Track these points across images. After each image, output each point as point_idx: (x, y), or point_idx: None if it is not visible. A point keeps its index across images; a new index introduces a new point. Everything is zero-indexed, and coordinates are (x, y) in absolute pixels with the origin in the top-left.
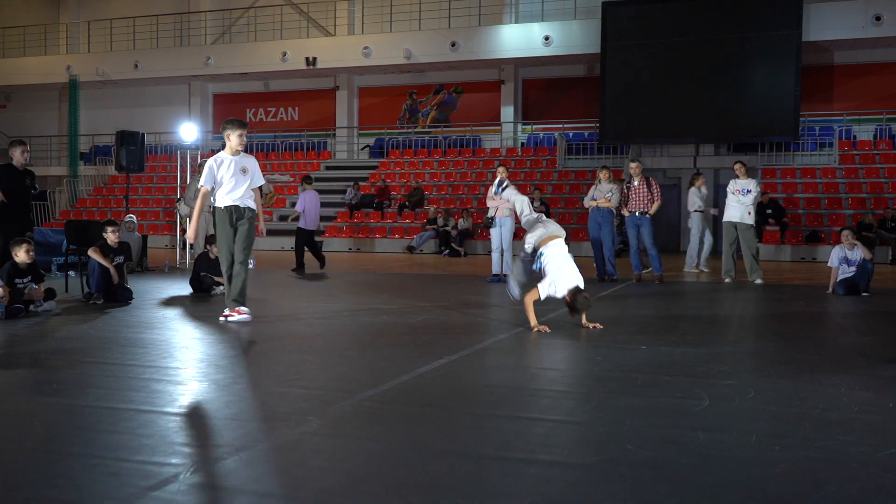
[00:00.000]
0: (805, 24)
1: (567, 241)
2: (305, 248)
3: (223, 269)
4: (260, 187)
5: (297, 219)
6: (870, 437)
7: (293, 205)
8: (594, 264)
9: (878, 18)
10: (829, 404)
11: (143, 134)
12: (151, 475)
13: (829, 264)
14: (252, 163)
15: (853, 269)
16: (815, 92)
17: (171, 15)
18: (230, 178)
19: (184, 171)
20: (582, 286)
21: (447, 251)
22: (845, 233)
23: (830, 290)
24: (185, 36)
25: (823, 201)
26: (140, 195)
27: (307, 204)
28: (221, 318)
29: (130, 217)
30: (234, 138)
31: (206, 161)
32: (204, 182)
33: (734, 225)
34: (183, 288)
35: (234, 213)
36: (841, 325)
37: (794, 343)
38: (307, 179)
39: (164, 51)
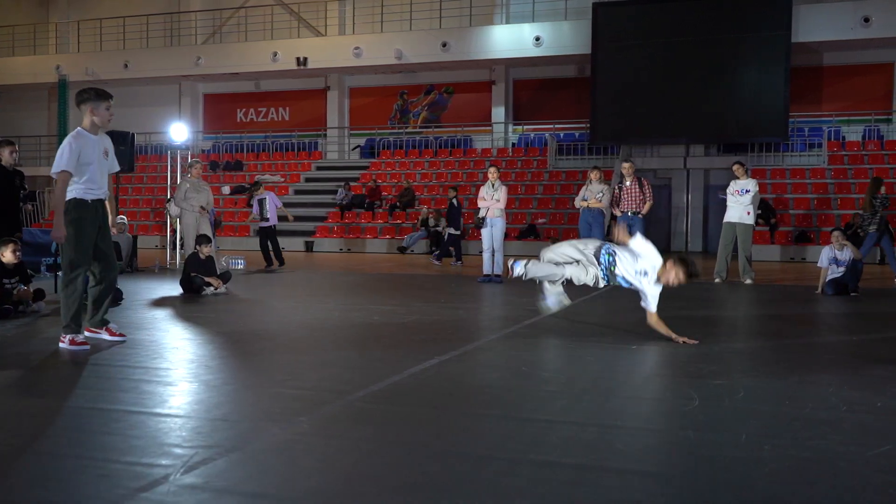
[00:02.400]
0: (794, 26)
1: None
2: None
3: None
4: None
5: (265, 219)
6: (858, 436)
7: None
8: None
9: (866, 20)
10: (819, 404)
11: (132, 134)
12: (141, 476)
13: (818, 264)
14: (110, 145)
15: (842, 269)
16: (805, 93)
17: (160, 15)
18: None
19: (174, 172)
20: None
21: (437, 252)
22: (835, 233)
23: (820, 290)
24: (175, 36)
25: (813, 202)
26: (130, 196)
27: (271, 204)
28: (90, 334)
29: (120, 218)
30: (103, 111)
31: (195, 162)
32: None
33: (733, 225)
34: (173, 288)
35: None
36: (830, 324)
37: (784, 343)
38: (259, 185)
39: (154, 51)
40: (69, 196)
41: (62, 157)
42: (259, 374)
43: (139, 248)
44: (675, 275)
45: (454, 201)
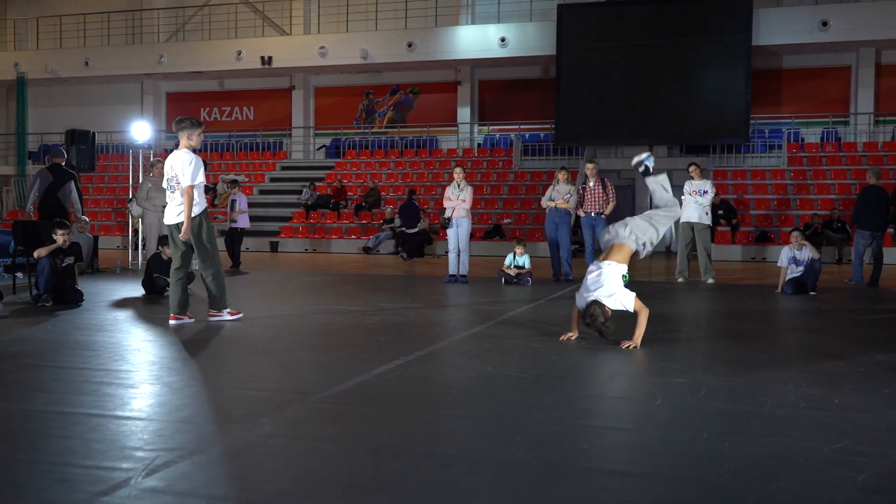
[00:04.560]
0: (755, 29)
1: (523, 241)
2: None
3: (217, 266)
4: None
5: (234, 220)
6: (816, 432)
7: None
8: (551, 264)
9: (824, 24)
10: (778, 401)
11: (93, 133)
12: (101, 480)
13: (778, 264)
14: None
15: (801, 268)
16: (765, 95)
17: (122, 12)
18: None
19: (136, 171)
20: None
21: (404, 253)
22: (795, 234)
23: (779, 289)
24: (137, 33)
25: (773, 202)
26: (91, 195)
27: (241, 206)
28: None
29: (82, 217)
30: (196, 138)
31: (158, 161)
32: (201, 178)
33: (691, 226)
34: (135, 290)
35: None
36: (789, 323)
37: (745, 341)
38: (238, 184)
39: (116, 48)
40: (202, 208)
41: (199, 171)
42: (222, 376)
43: (100, 249)
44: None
45: (414, 201)
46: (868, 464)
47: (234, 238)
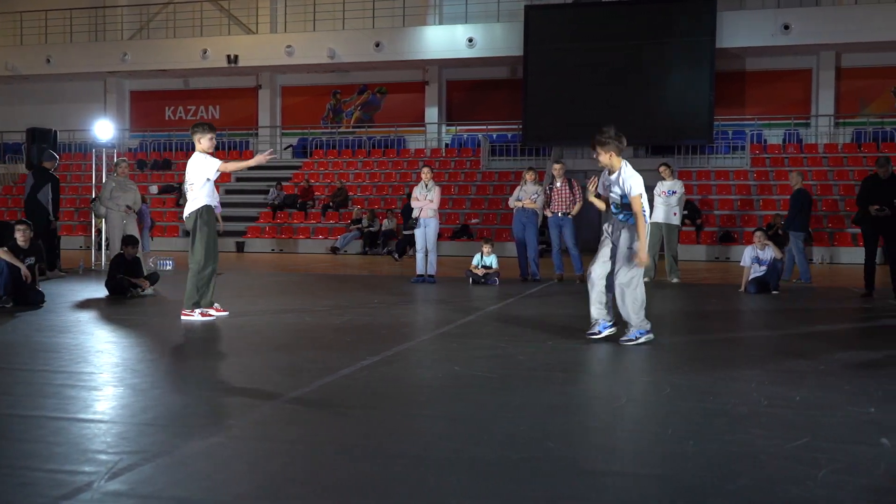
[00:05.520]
0: (718, 32)
1: (491, 241)
2: None
3: (210, 268)
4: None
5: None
6: (778, 429)
7: None
8: (518, 264)
9: (786, 27)
10: (741, 399)
11: (55, 131)
12: (63, 484)
13: (741, 263)
14: None
15: (764, 268)
16: (728, 97)
17: (85, 9)
18: (214, 180)
19: (99, 171)
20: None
21: (396, 253)
22: (757, 234)
23: (742, 288)
24: (100, 31)
25: (736, 203)
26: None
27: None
28: (213, 313)
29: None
30: (206, 142)
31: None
32: (219, 164)
33: (660, 226)
34: (98, 290)
35: (213, 213)
36: (752, 321)
37: (709, 340)
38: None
39: (79, 45)
40: (200, 204)
41: (205, 169)
42: (187, 378)
43: (63, 249)
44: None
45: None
46: (828, 459)
47: None
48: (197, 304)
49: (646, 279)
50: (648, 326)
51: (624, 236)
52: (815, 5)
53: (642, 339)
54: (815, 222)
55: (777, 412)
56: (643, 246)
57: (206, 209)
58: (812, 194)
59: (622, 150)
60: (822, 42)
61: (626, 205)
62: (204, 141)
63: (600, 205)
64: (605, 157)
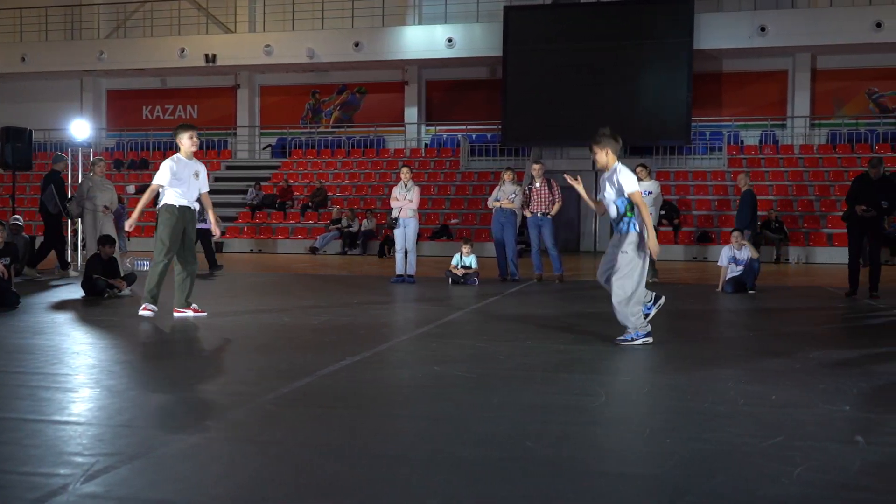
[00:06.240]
0: (696, 33)
1: (470, 241)
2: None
3: (161, 264)
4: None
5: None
6: (755, 428)
7: None
8: (497, 264)
9: (762, 29)
10: (718, 397)
11: (30, 130)
12: (38, 486)
13: (718, 263)
14: (202, 169)
15: (741, 267)
16: (706, 98)
17: (61, 7)
18: (186, 179)
19: (75, 171)
20: None
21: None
22: (734, 234)
23: (720, 288)
24: (76, 29)
25: (713, 203)
26: (28, 195)
27: None
28: (177, 315)
29: (16, 218)
30: (185, 141)
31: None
32: (161, 181)
33: None
34: (74, 291)
35: (188, 213)
36: (729, 321)
37: (686, 339)
38: None
39: (54, 44)
40: (163, 202)
41: (160, 173)
42: (164, 379)
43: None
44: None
45: None
46: (803, 457)
47: (203, 238)
48: (152, 300)
49: (654, 279)
50: (648, 329)
51: (614, 239)
52: (791, 8)
53: (639, 342)
54: (792, 222)
55: (754, 411)
56: (652, 235)
57: (164, 208)
58: (757, 195)
59: (617, 149)
60: (798, 44)
61: (621, 216)
62: (183, 141)
63: (591, 201)
64: (602, 156)
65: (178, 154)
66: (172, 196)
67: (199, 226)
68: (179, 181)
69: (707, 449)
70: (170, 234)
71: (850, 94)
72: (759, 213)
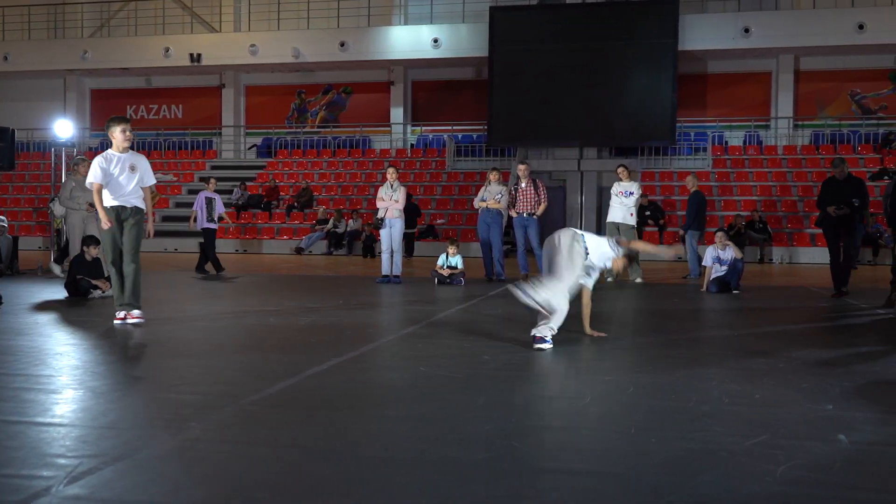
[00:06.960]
0: (681, 34)
1: (456, 242)
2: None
3: (108, 269)
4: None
5: (212, 220)
6: (738, 427)
7: (177, 205)
8: (483, 264)
9: (746, 30)
10: (702, 397)
11: (13, 130)
12: (20, 489)
13: (703, 263)
14: (142, 161)
15: (725, 268)
16: (690, 99)
17: (44, 5)
18: (117, 177)
19: (58, 170)
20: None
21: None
22: (719, 234)
23: (704, 288)
24: (59, 28)
25: None
26: (10, 194)
27: (219, 203)
28: (117, 322)
29: (0, 218)
30: (117, 134)
31: (82, 160)
32: (92, 179)
33: (617, 226)
34: (57, 292)
35: (120, 212)
36: (713, 320)
37: (671, 339)
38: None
39: (37, 43)
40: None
41: (91, 170)
42: (148, 380)
43: (21, 250)
44: (623, 263)
45: (413, 202)
46: (786, 456)
47: (210, 240)
48: (127, 307)
49: (609, 279)
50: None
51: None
52: (775, 9)
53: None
54: (775, 222)
55: (737, 410)
56: (656, 252)
57: (107, 210)
58: (741, 196)
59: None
60: (782, 45)
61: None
62: (115, 134)
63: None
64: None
65: (108, 150)
66: (106, 198)
67: (206, 225)
68: (111, 178)
69: (691, 448)
70: (106, 236)
71: (832, 95)
72: (707, 213)
